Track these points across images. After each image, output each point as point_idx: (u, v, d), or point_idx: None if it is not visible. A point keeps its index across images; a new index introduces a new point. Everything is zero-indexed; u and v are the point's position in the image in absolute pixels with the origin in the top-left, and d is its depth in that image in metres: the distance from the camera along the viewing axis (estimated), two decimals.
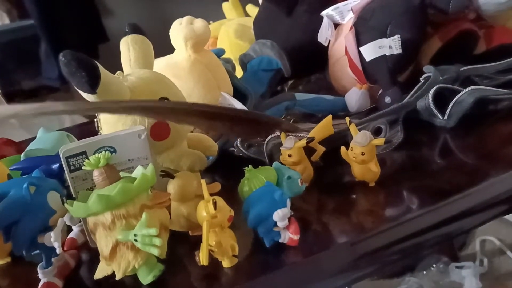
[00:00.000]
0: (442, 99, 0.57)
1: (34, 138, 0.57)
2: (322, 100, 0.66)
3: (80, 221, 0.47)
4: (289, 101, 0.64)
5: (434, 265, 1.24)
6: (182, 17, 0.60)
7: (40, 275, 0.40)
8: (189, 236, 0.44)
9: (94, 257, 0.42)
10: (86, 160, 0.38)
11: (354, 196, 0.49)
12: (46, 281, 0.39)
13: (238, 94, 0.63)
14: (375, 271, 0.46)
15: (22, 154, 0.51)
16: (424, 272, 1.24)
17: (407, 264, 1.23)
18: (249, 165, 0.44)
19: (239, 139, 0.57)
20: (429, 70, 0.58)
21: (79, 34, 1.34)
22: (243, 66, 0.73)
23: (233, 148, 0.58)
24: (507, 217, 1.44)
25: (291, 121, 0.67)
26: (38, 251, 0.40)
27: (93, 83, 0.40)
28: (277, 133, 0.54)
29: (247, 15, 1.06)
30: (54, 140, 0.52)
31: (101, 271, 0.38)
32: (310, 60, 0.74)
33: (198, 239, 0.39)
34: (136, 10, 1.48)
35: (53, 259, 0.41)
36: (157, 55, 0.63)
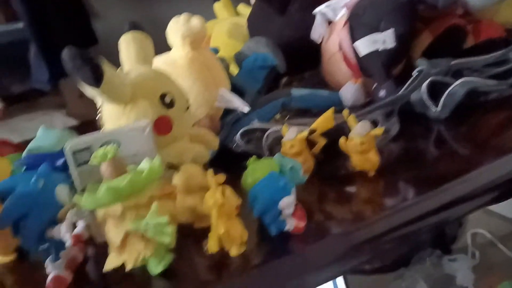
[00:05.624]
0: (434, 92, 0.59)
1: (29, 141, 0.57)
2: (318, 96, 0.67)
3: (84, 217, 0.48)
4: (285, 98, 0.65)
5: (427, 259, 1.26)
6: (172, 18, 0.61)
7: (48, 269, 0.39)
8: (192, 228, 0.45)
9: (100, 251, 0.42)
10: (94, 154, 0.38)
11: (353, 186, 0.50)
12: (55, 274, 0.39)
13: (235, 91, 0.64)
14: (372, 259, 0.47)
15: (24, 152, 0.51)
16: (418, 266, 1.25)
17: (401, 259, 1.25)
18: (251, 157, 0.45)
19: (238, 134, 0.58)
20: (422, 64, 0.59)
21: (69, 36, 1.33)
22: (239, 64, 0.74)
23: (232, 143, 0.59)
24: (497, 210, 1.47)
25: (286, 117, 0.68)
26: (46, 245, 0.40)
27: (98, 77, 0.41)
28: (277, 127, 0.55)
29: (238, 15, 1.06)
30: (55, 138, 0.52)
31: (111, 263, 0.38)
32: (303, 57, 0.75)
33: (203, 231, 0.40)
34: (125, 11, 1.47)
35: (60, 253, 0.41)
36: None
